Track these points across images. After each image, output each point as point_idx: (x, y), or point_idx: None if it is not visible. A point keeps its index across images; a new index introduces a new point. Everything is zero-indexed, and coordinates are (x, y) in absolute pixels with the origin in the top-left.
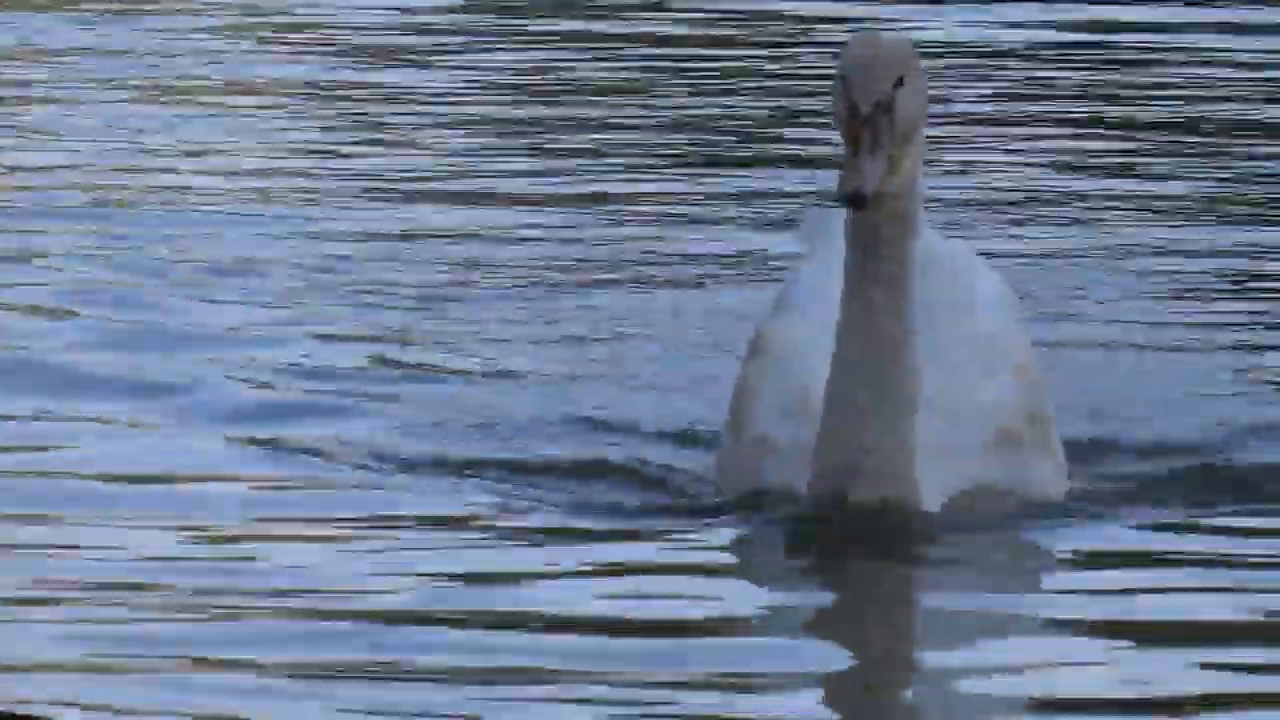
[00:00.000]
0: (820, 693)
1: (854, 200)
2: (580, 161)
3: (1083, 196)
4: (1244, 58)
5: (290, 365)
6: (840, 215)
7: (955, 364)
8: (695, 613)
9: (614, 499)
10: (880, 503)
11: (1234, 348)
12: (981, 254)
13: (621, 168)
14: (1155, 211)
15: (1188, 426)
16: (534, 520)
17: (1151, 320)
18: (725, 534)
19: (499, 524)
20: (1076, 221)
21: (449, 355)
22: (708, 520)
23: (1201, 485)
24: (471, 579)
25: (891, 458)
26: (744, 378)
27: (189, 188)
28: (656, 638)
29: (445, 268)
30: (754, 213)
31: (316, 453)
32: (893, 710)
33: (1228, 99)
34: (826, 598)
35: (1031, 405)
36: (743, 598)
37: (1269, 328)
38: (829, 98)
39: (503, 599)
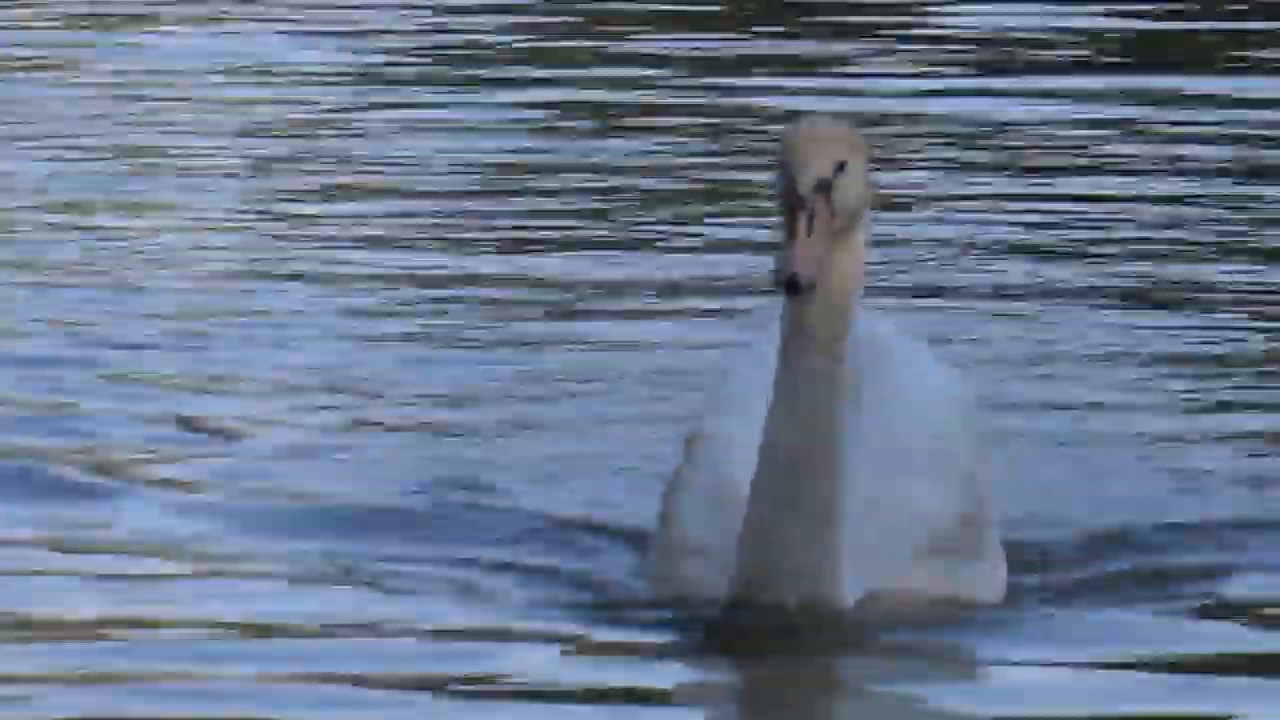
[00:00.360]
0: None
1: (789, 286)
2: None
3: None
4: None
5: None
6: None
7: (890, 464)
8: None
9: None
10: (802, 606)
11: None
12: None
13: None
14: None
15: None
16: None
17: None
18: (644, 637)
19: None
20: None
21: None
22: (627, 622)
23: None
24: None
25: (817, 561)
26: (676, 475)
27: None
28: None
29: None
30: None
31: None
32: None
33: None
34: (730, 707)
35: (970, 509)
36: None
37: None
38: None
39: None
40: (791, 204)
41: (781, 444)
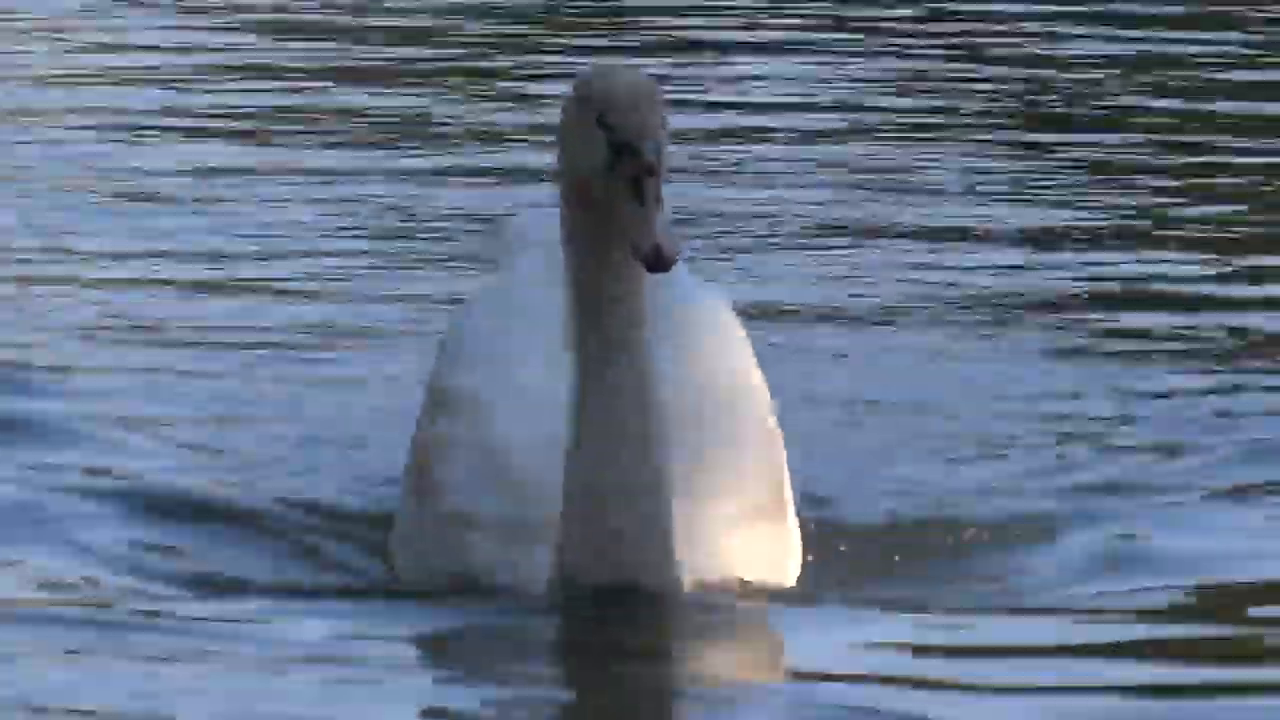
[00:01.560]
0: None
1: (660, 263)
2: None
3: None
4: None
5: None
6: (518, 239)
7: (701, 434)
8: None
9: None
10: (637, 588)
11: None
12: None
13: None
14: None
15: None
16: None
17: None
18: (434, 623)
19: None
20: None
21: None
22: (404, 605)
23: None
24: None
25: (650, 539)
26: (428, 439)
27: None
28: None
29: None
30: None
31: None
32: None
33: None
34: (561, 695)
35: (776, 475)
36: (474, 696)
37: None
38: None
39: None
40: (636, 171)
41: (597, 418)
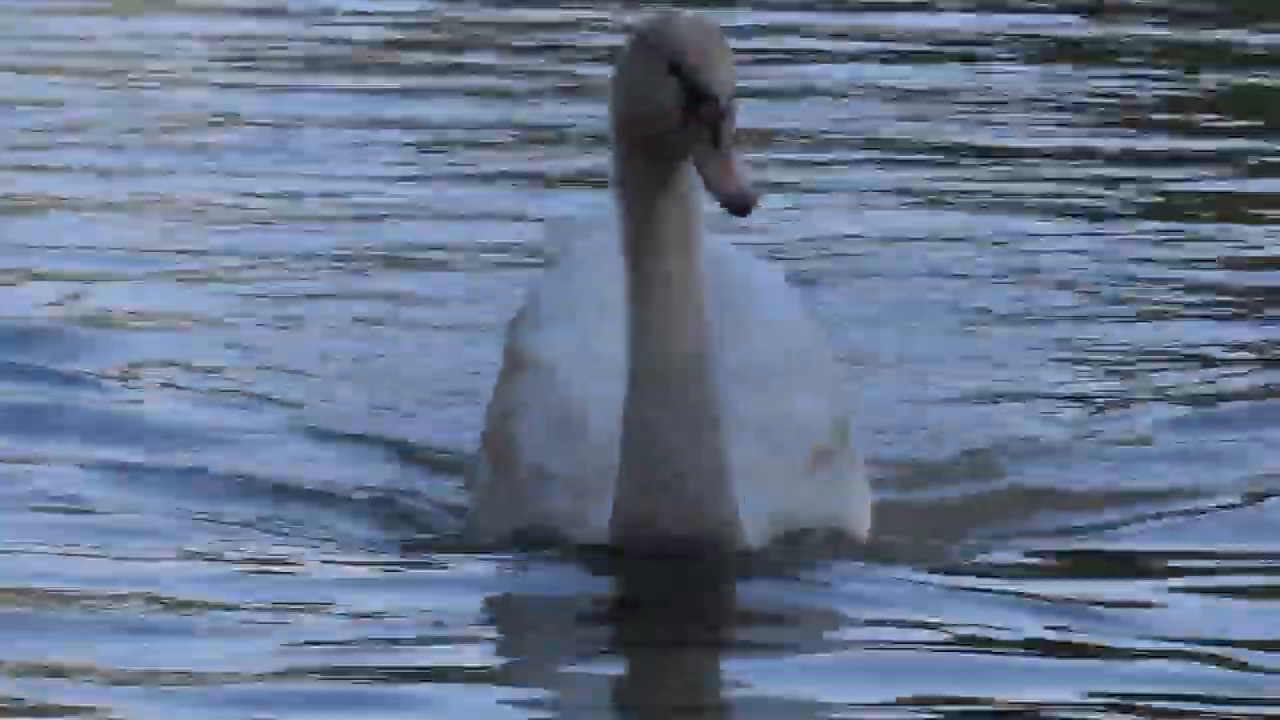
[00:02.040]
0: None
1: (744, 207)
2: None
3: None
4: None
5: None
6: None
7: (762, 379)
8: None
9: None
10: (697, 538)
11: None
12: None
13: None
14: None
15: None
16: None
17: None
18: (512, 575)
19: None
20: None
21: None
22: (485, 560)
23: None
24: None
25: (707, 486)
26: (507, 401)
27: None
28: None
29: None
30: None
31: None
32: None
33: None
34: (629, 644)
35: (841, 415)
36: (538, 646)
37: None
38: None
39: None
40: (714, 118)
41: (652, 365)
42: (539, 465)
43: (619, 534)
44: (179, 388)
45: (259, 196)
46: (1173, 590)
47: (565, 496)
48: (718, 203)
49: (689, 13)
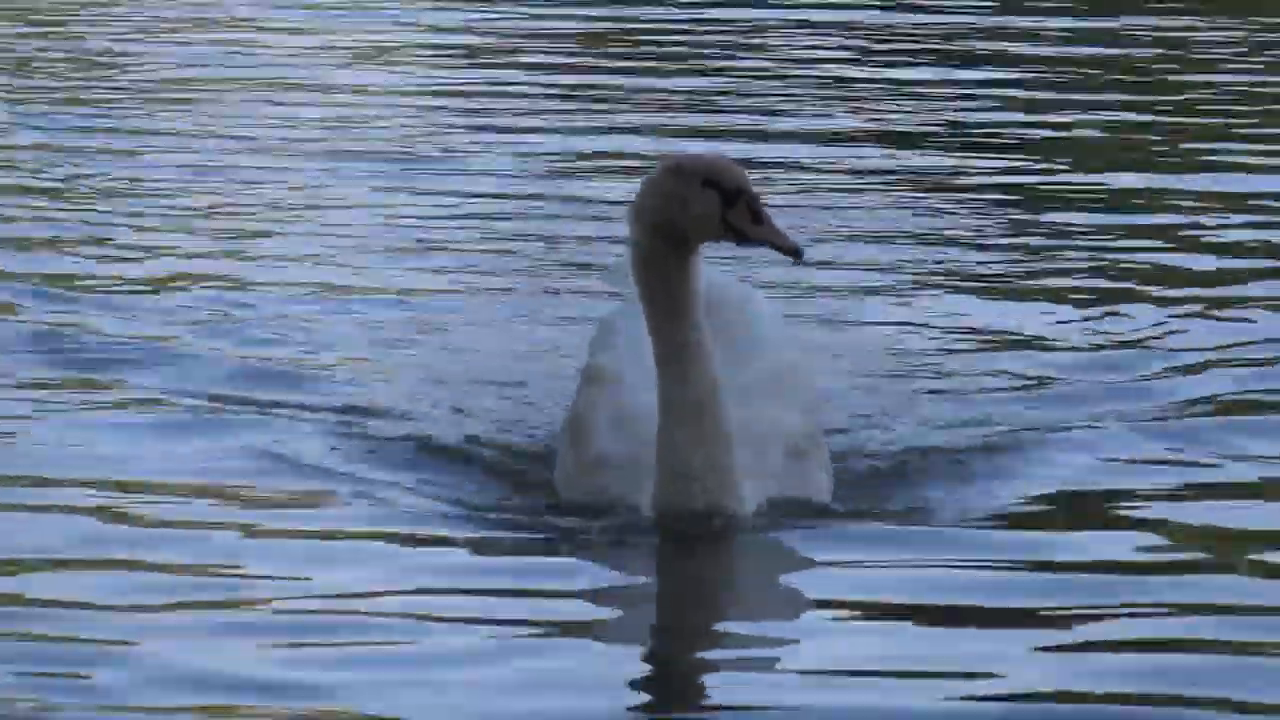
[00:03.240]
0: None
1: (801, 256)
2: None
3: None
4: None
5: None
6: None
7: (753, 396)
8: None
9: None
10: (713, 510)
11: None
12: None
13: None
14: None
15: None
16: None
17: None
18: (579, 536)
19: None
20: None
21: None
22: (563, 523)
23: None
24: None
25: (714, 481)
26: (582, 403)
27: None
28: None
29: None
30: None
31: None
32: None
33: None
34: (670, 583)
35: (811, 426)
36: (606, 592)
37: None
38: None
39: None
40: (752, 202)
41: (678, 390)
42: (602, 453)
43: (658, 511)
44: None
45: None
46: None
47: (620, 478)
48: (783, 254)
49: (703, 151)
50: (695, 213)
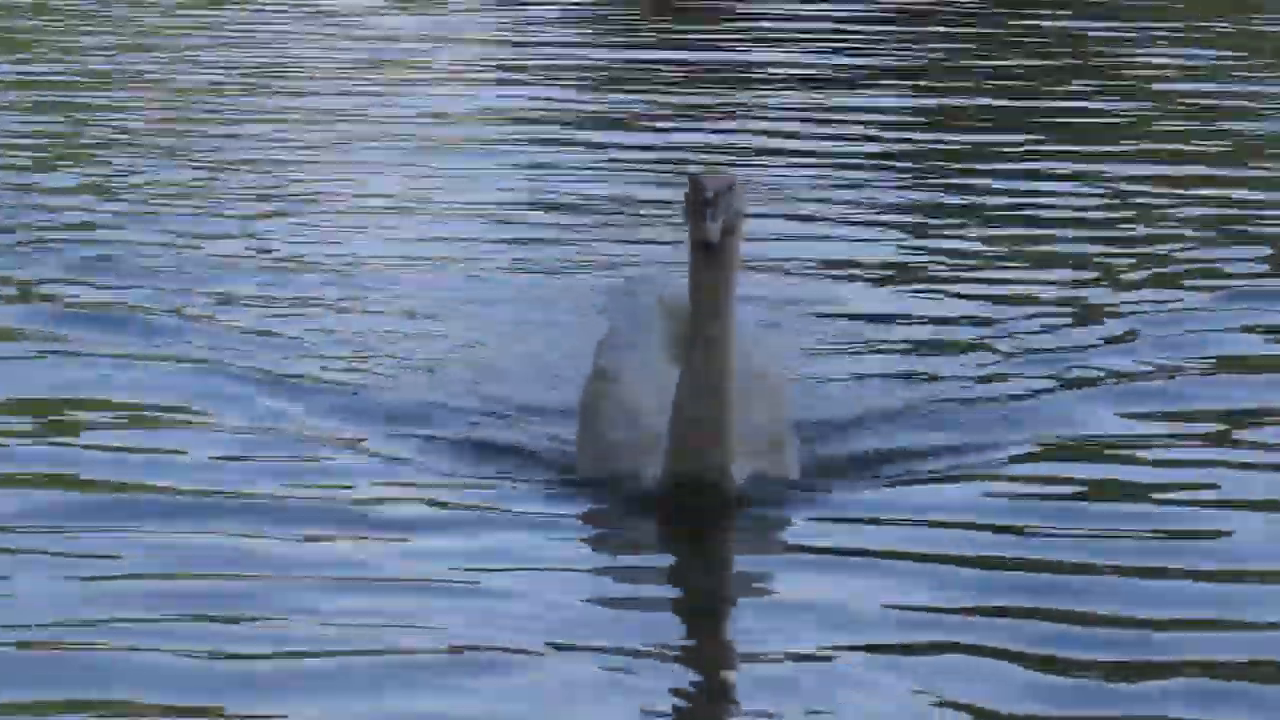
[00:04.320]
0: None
1: (706, 246)
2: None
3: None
4: None
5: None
6: (642, 298)
7: (744, 393)
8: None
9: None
10: (713, 481)
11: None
12: None
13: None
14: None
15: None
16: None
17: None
18: (594, 504)
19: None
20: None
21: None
22: (577, 493)
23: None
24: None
25: (718, 453)
26: (593, 394)
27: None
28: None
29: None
30: None
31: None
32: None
33: None
34: (676, 548)
35: (786, 419)
36: (608, 551)
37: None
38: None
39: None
40: (699, 199)
41: (693, 380)
42: (614, 436)
43: (666, 481)
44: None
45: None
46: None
47: (628, 456)
48: (691, 242)
49: (713, 169)
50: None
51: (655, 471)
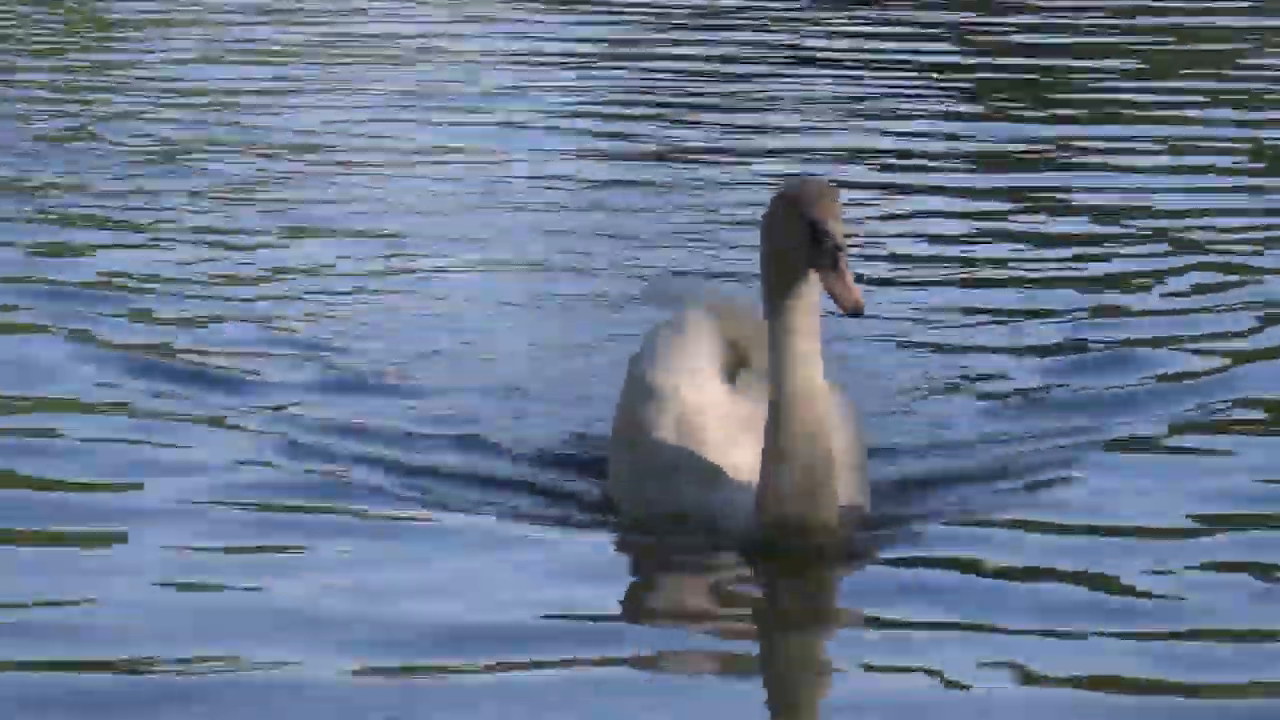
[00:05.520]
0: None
1: (858, 312)
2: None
3: None
4: None
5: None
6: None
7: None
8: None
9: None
10: (823, 524)
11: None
12: None
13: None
14: None
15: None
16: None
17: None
18: (683, 550)
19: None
20: None
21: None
22: (658, 537)
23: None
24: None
25: (830, 491)
26: (639, 415)
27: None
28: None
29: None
30: None
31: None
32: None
33: None
34: (786, 593)
35: (860, 445)
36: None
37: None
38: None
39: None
40: (834, 249)
41: (806, 417)
42: (673, 464)
43: (768, 524)
44: None
45: None
46: None
47: (696, 487)
48: (840, 308)
49: (814, 178)
50: (789, 240)
51: (744, 513)
